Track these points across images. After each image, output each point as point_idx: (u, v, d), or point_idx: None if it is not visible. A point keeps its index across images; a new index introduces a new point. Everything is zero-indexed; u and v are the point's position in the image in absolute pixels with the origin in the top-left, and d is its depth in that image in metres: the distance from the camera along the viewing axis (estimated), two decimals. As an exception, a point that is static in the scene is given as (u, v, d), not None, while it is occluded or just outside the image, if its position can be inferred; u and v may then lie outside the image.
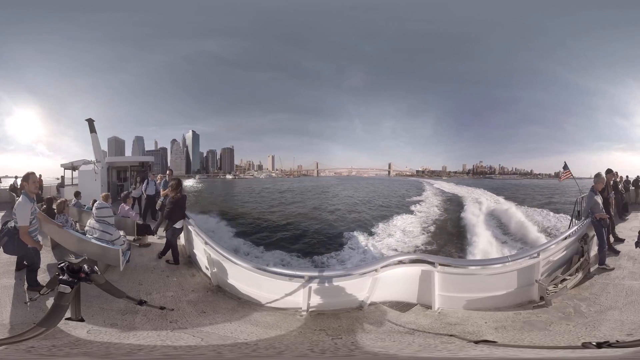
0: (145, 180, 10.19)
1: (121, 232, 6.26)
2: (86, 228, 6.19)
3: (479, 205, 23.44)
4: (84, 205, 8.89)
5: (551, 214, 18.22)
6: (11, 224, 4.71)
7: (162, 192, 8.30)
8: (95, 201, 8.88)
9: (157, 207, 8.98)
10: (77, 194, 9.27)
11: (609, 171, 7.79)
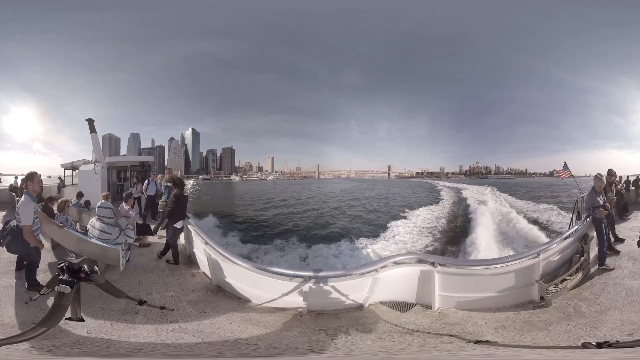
0: (146, 180, 10.19)
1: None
2: (87, 226, 6.21)
3: (480, 204, 23.46)
4: (84, 207, 8.90)
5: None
6: (13, 223, 4.72)
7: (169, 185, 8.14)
8: (88, 202, 8.95)
9: (159, 207, 8.98)
10: (79, 195, 9.29)
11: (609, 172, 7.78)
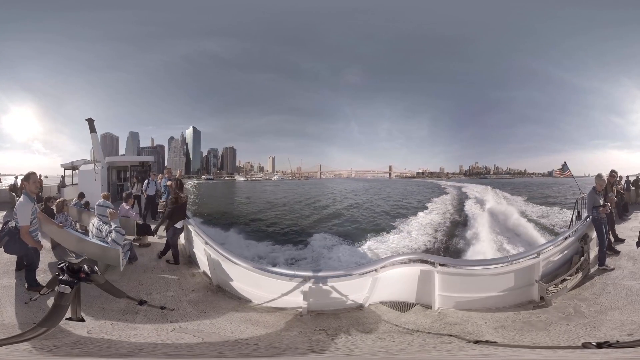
0: (146, 180, 10.19)
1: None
2: (89, 226, 6.20)
3: (480, 204, 23.60)
4: (84, 208, 8.90)
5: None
6: (12, 223, 4.72)
7: (169, 184, 8.05)
8: (87, 203, 8.94)
9: (160, 208, 8.98)
10: (81, 195, 9.30)
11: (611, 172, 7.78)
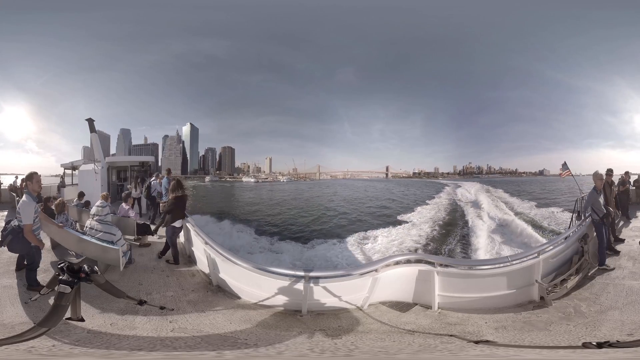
0: (153, 181, 10.21)
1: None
2: (85, 228, 6.20)
3: (478, 204, 23.62)
4: (83, 207, 8.91)
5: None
6: (14, 222, 4.74)
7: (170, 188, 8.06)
8: (88, 202, 8.96)
9: (160, 208, 8.99)
10: (81, 195, 9.31)
11: (608, 172, 7.79)
